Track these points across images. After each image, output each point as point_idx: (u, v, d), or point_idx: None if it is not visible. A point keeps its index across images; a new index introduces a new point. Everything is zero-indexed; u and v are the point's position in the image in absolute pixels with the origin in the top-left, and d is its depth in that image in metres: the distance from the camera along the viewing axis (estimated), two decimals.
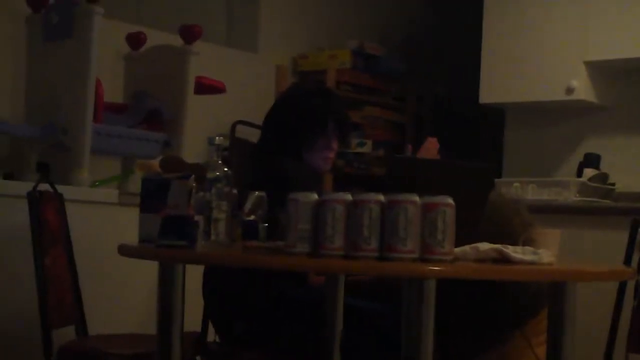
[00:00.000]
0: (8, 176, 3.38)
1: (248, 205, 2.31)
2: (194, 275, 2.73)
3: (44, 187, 3.01)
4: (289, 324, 2.69)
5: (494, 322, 2.43)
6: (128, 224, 2.58)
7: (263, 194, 2.33)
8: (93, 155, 3.48)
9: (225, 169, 2.27)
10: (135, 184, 3.65)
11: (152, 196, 2.05)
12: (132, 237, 2.20)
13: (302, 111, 2.90)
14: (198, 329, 3.03)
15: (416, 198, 1.85)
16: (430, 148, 2.84)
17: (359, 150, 5.02)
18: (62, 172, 3.39)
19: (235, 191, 2.30)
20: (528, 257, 2.00)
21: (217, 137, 2.34)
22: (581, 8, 4.43)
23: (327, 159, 2.91)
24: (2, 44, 3.60)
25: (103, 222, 3.38)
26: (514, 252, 2.01)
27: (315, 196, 1.91)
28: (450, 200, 1.86)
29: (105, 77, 3.68)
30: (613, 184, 4.38)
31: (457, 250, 1.94)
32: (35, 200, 2.87)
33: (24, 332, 3.06)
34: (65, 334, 2.95)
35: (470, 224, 2.11)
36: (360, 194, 1.88)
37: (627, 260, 3.04)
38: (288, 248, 1.91)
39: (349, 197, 1.89)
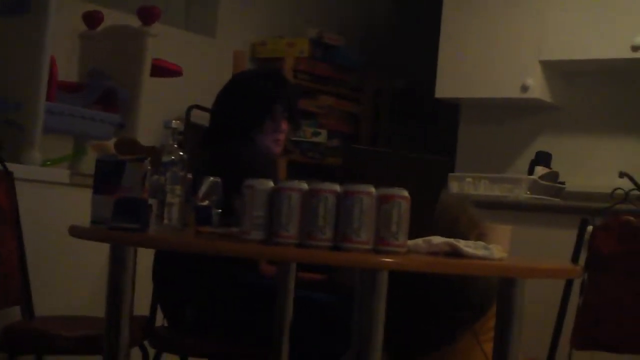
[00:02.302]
0: None
1: (202, 191, 2.29)
2: (144, 259, 2.71)
3: None
4: (239, 311, 2.69)
5: (444, 321, 2.44)
6: (79, 205, 2.55)
7: (218, 179, 2.32)
8: (45, 135, 3.43)
9: (181, 153, 2.25)
10: (87, 165, 3.61)
11: (105, 177, 2.03)
12: (82, 219, 2.18)
13: (249, 93, 2.91)
14: (147, 313, 3.01)
15: (372, 189, 1.85)
16: None
17: (314, 139, 5.03)
18: (13, 150, 3.33)
19: (189, 176, 2.29)
20: (480, 252, 2.02)
21: (172, 121, 2.32)
22: (538, 7, 4.47)
23: (276, 141, 2.92)
24: None
25: (53, 202, 3.33)
26: (466, 246, 2.02)
27: (271, 184, 1.91)
28: (405, 193, 1.87)
29: (61, 56, 3.63)
30: (563, 183, 4.43)
31: (410, 242, 1.95)
32: None
33: None
34: (11, 315, 2.92)
35: (424, 217, 2.12)
36: (316, 183, 1.88)
37: (575, 259, 3.08)
38: (242, 235, 1.90)
39: (305, 185, 1.88)
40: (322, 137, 5.05)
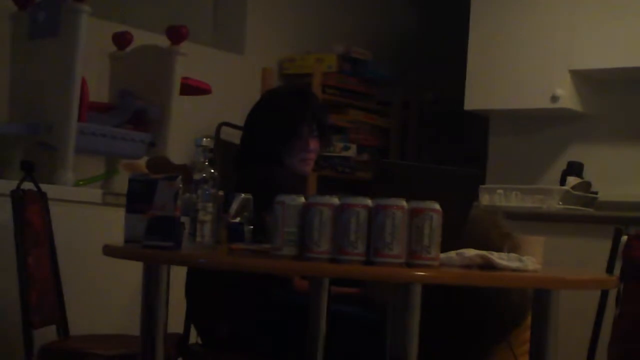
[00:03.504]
0: None
1: (234, 208, 2.30)
2: (177, 277, 2.73)
3: (28, 186, 2.99)
4: (273, 328, 2.69)
5: (479, 333, 2.43)
6: (111, 224, 2.57)
7: (249, 196, 2.33)
8: (77, 155, 3.46)
9: (212, 171, 2.26)
10: (119, 184, 3.63)
11: (138, 196, 2.04)
12: (115, 237, 2.19)
13: (276, 112, 2.90)
14: (180, 330, 3.02)
15: (403, 203, 1.85)
16: None
17: (344, 154, 5.03)
18: (46, 171, 3.37)
19: (221, 193, 2.30)
20: (513, 264, 2.01)
21: (203, 139, 2.33)
22: (568, 17, 4.46)
23: (304, 161, 2.90)
24: None
25: (86, 222, 3.36)
26: (499, 258, 2.01)
27: (302, 199, 1.91)
28: (437, 206, 1.87)
29: (91, 77, 3.66)
30: (596, 193, 4.40)
31: (443, 256, 1.94)
32: (18, 198, 2.85)
33: (5, 332, 3.04)
34: (46, 334, 2.94)
35: (455, 230, 2.12)
36: (347, 198, 1.88)
37: (610, 269, 3.05)
38: (274, 251, 1.91)
39: (336, 200, 1.88)
40: (351, 152, 5.05)
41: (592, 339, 3.06)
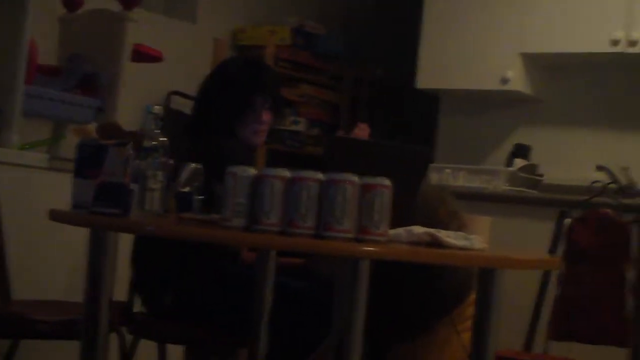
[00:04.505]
0: None
1: (183, 177, 2.29)
2: (124, 245, 2.71)
3: None
4: (219, 298, 2.69)
5: (422, 308, 2.46)
6: (58, 189, 2.53)
7: (199, 166, 2.32)
8: (24, 119, 3.40)
9: (162, 139, 2.24)
10: (66, 149, 3.58)
11: (87, 162, 2.01)
12: (61, 203, 2.16)
13: (229, 83, 2.89)
14: (124, 298, 3.00)
15: (355, 178, 1.86)
16: (361, 134, 2.85)
17: (293, 128, 5.02)
18: None
19: (171, 162, 2.28)
20: (460, 242, 2.03)
21: (154, 106, 2.31)
22: (520, 0, 4.49)
23: (257, 132, 2.89)
24: None
25: (32, 186, 3.31)
26: (447, 236, 2.03)
27: (253, 171, 1.90)
28: (387, 182, 1.88)
29: (40, 39, 3.59)
30: (541, 175, 4.46)
31: (391, 232, 1.95)
32: None
33: None
34: None
35: (404, 207, 2.13)
36: (299, 172, 1.88)
37: (553, 250, 3.11)
38: (224, 222, 1.90)
39: (287, 173, 1.88)
40: (301, 126, 5.04)
41: (533, 318, 3.12)
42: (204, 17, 4.81)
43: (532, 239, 3.37)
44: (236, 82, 2.89)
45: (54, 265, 3.37)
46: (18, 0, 3.34)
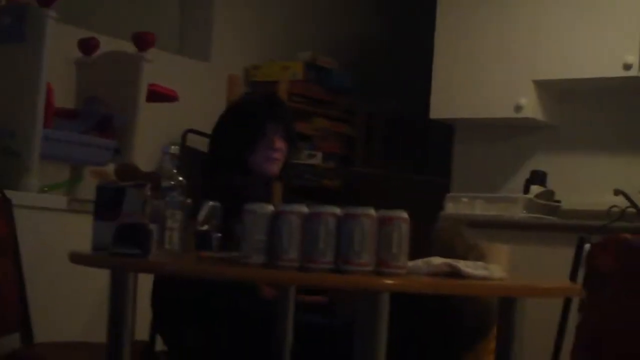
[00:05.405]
0: None
1: (202, 215, 2.30)
2: (144, 284, 2.72)
3: None
4: (240, 335, 2.69)
5: (445, 343, 2.45)
6: (77, 231, 2.55)
7: (217, 203, 2.33)
8: (42, 161, 3.43)
9: (180, 178, 2.26)
10: (84, 191, 3.61)
11: (106, 204, 2.03)
12: (81, 244, 2.18)
13: (241, 115, 2.92)
14: (146, 338, 3.01)
15: (372, 212, 1.86)
16: None
17: (309, 162, 5.04)
18: (10, 177, 3.33)
19: (189, 201, 2.29)
20: (480, 272, 2.03)
21: (171, 146, 2.33)
22: (531, 27, 4.51)
23: (269, 159, 2.89)
24: None
25: (52, 228, 3.33)
26: (466, 266, 2.03)
27: (271, 207, 1.92)
28: (405, 215, 1.88)
29: (57, 82, 3.63)
30: (559, 201, 4.45)
31: (410, 264, 1.96)
32: None
33: None
34: (11, 343, 2.91)
35: (422, 239, 2.13)
36: (316, 207, 1.89)
37: (573, 277, 3.08)
38: (243, 259, 1.91)
39: (304, 209, 1.89)
40: (317, 159, 5.06)
41: (555, 347, 3.09)
42: (217, 55, 4.85)
43: (552, 266, 3.35)
44: (247, 112, 2.92)
45: (75, 307, 3.39)
46: (34, 46, 3.39)
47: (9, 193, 3.07)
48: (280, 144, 2.91)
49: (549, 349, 3.10)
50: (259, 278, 2.23)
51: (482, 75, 4.61)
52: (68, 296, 3.35)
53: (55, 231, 3.32)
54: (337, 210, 1.87)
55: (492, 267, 2.06)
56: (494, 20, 4.64)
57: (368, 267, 1.84)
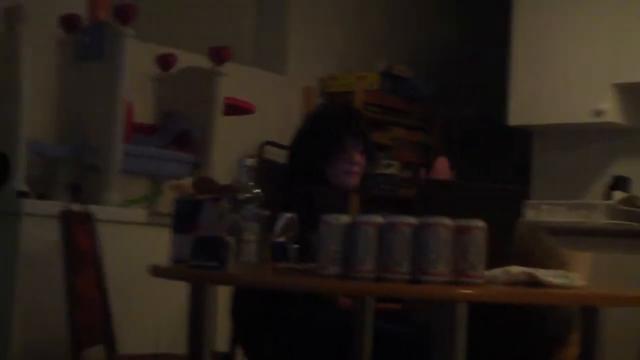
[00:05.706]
0: (41, 196, 3.41)
1: (278, 227, 2.31)
2: (223, 295, 2.74)
3: (75, 207, 3.03)
4: (318, 346, 2.69)
5: (525, 352, 2.41)
6: (157, 244, 2.59)
7: (293, 215, 2.34)
8: (123, 176, 3.50)
9: (256, 191, 2.28)
10: (163, 204, 3.67)
11: (184, 217, 2.06)
12: (160, 257, 2.21)
13: (320, 128, 2.93)
14: (226, 349, 3.04)
15: (448, 221, 1.85)
16: (441, 168, 2.84)
17: (386, 171, 5.03)
18: (92, 192, 3.41)
19: (266, 212, 2.31)
20: (559, 281, 1.99)
21: (247, 159, 2.35)
22: (610, 30, 4.43)
23: (348, 173, 2.90)
24: (36, 65, 3.63)
25: (132, 242, 3.39)
26: (545, 275, 2.00)
27: (347, 218, 1.92)
28: (482, 224, 1.86)
29: (136, 98, 3.71)
30: None
31: (488, 273, 1.94)
32: (66, 220, 2.89)
33: (54, 352, 3.07)
34: (95, 355, 2.96)
35: (500, 248, 2.11)
36: (392, 217, 1.88)
37: None
38: (319, 270, 1.92)
39: (380, 219, 1.89)
40: (394, 169, 5.05)
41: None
42: (293, 67, 4.89)
43: (635, 274, 3.28)
44: (326, 124, 2.93)
45: (157, 319, 3.43)
46: (113, 63, 3.47)
47: (91, 208, 3.14)
48: (359, 158, 2.92)
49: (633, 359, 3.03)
50: (334, 289, 2.23)
51: (560, 80, 4.55)
52: (149, 308, 3.41)
53: (136, 244, 3.37)
54: (413, 220, 1.86)
55: (572, 275, 2.02)
56: (572, 23, 4.58)
57: (444, 277, 1.83)
